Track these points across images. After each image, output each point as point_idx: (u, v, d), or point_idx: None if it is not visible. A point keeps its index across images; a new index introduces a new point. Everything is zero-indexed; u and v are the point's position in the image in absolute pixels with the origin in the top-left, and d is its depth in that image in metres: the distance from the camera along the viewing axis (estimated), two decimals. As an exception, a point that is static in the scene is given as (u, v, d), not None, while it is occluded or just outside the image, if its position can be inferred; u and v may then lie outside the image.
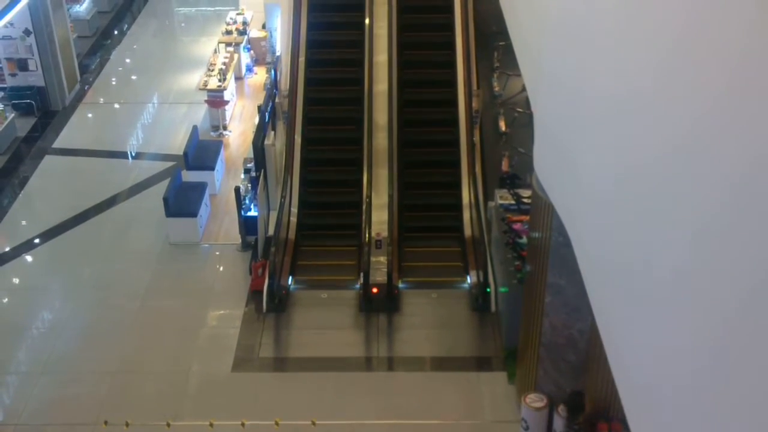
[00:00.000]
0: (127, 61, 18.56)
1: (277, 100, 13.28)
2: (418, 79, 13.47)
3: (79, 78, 16.99)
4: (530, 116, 9.27)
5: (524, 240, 9.79)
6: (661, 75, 3.98)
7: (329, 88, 13.61)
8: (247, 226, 12.03)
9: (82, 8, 19.27)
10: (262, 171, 12.26)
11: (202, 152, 13.64)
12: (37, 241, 12.43)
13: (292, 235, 11.94)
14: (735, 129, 3.12)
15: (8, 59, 15.79)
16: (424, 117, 13.22)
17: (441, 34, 13.88)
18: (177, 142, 14.64)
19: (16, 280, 11.78)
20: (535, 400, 8.46)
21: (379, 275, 10.90)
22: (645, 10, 4.29)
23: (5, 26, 15.23)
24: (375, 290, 10.75)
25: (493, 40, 14.34)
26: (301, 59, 13.54)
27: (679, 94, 3.72)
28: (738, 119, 3.09)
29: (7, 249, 12.26)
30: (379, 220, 11.72)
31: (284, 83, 13.35)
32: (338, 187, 12.77)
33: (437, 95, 13.42)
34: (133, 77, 17.88)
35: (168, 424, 9.15)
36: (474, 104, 12.70)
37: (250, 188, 12.47)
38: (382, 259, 11.12)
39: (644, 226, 4.16)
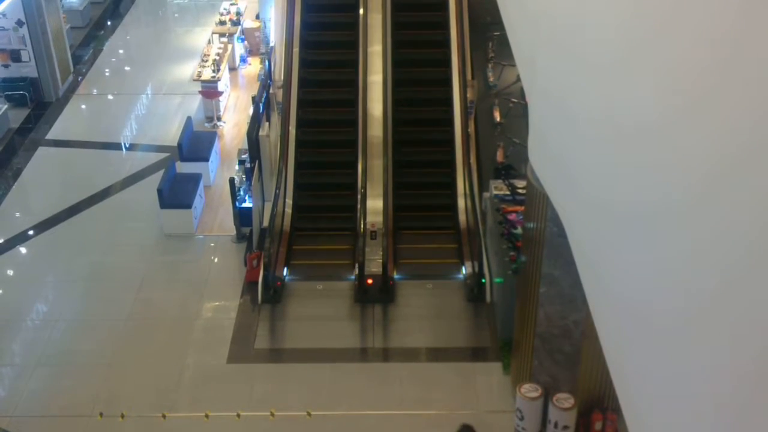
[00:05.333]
0: (121, 51, 18.49)
1: (271, 90, 13.24)
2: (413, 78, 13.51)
3: (72, 69, 16.91)
4: (525, 107, 9.27)
5: (519, 231, 9.79)
6: (657, 55, 3.96)
7: (324, 89, 13.58)
8: (242, 217, 12.02)
9: (75, -1, 19.18)
10: (257, 162, 12.24)
11: (197, 143, 13.60)
12: (31, 232, 12.39)
13: (287, 226, 11.92)
14: (731, 99, 3.09)
15: (1, 50, 15.70)
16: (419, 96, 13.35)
17: (436, 14, 13.86)
18: (171, 133, 14.60)
19: (10, 272, 11.75)
20: (530, 391, 8.49)
21: (374, 266, 10.91)
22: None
23: (-3, 17, 15.18)
24: (370, 281, 10.75)
25: (488, 31, 14.31)
26: (296, 50, 13.49)
27: (673, 71, 3.69)
28: (735, 86, 3.05)
29: (1, 241, 12.22)
30: (374, 208, 11.73)
31: (278, 74, 13.30)
32: (334, 190, 12.73)
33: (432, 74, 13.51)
34: (127, 68, 17.80)
35: (163, 416, 9.16)
36: (469, 95, 12.68)
37: (244, 179, 12.45)
38: (377, 250, 11.11)
39: (641, 218, 4.16)
